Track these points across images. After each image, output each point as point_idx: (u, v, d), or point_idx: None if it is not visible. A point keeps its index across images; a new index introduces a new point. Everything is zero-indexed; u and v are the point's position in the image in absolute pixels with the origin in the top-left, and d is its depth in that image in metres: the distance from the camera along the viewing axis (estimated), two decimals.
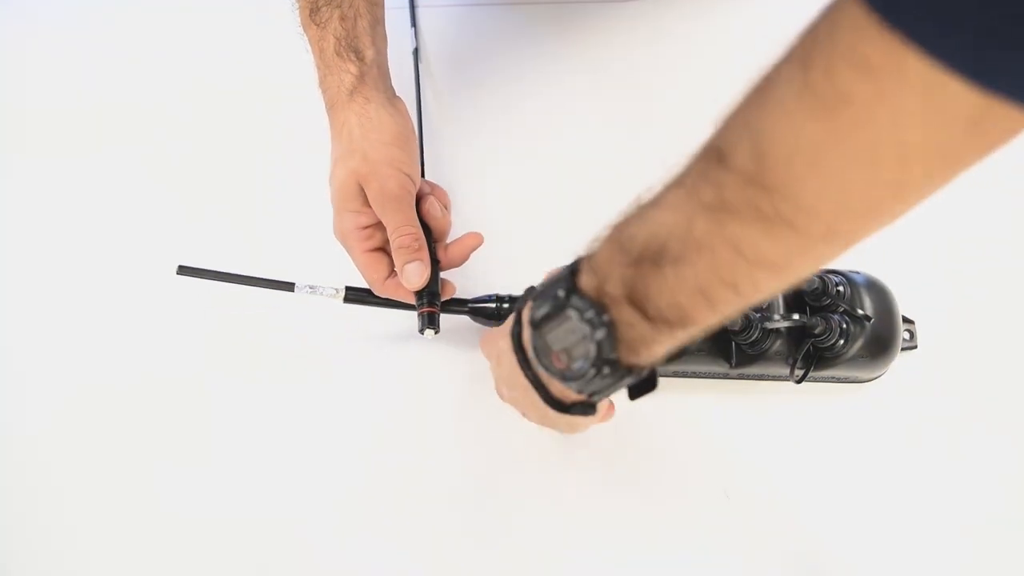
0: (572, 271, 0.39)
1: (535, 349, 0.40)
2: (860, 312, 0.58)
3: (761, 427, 0.63)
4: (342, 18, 0.57)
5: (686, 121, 0.70)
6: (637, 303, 0.36)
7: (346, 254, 0.58)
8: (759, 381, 0.62)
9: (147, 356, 0.65)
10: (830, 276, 0.59)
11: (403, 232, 0.55)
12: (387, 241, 0.57)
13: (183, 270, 0.56)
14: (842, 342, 0.58)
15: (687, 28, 0.73)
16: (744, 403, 0.63)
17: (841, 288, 0.59)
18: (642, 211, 0.36)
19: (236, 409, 0.64)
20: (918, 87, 0.26)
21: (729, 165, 0.31)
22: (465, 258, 0.60)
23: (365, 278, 0.58)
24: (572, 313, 0.37)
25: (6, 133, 0.74)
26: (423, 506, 0.61)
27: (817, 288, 0.59)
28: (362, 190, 0.56)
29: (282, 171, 0.70)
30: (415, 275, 0.55)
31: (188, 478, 0.62)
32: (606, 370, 0.37)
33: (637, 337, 0.37)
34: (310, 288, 0.57)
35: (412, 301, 0.57)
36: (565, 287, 0.38)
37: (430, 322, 0.56)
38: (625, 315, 0.36)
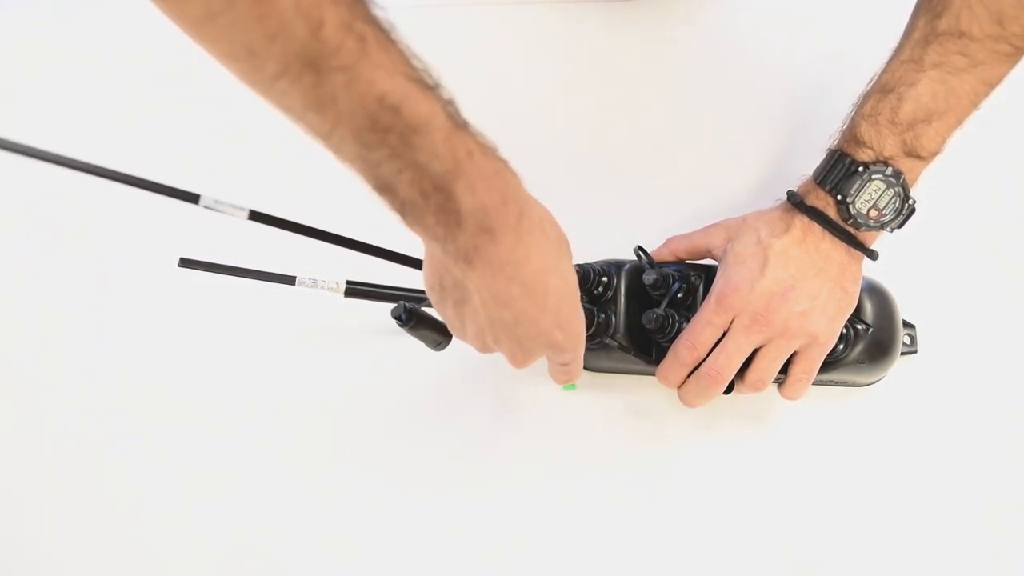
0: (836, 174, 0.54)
1: (852, 219, 0.54)
2: (860, 326, 0.58)
3: (759, 430, 0.63)
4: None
5: (689, 119, 0.71)
6: (913, 153, 0.53)
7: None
8: None
9: (146, 349, 0.65)
10: None
11: None
12: None
13: (184, 263, 0.56)
14: (842, 346, 0.58)
15: (686, 28, 0.73)
16: (742, 406, 0.63)
17: None
18: (897, 97, 0.52)
19: (235, 403, 0.63)
20: None
21: (973, 37, 0.50)
22: None
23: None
24: (876, 176, 0.52)
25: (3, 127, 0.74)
26: (425, 500, 0.61)
27: None
28: None
29: (284, 165, 0.70)
30: None
31: (186, 473, 0.62)
32: (907, 204, 0.54)
33: (916, 173, 0.54)
34: (311, 281, 0.57)
35: None
36: (857, 167, 0.53)
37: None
38: (906, 164, 0.53)
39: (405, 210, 0.40)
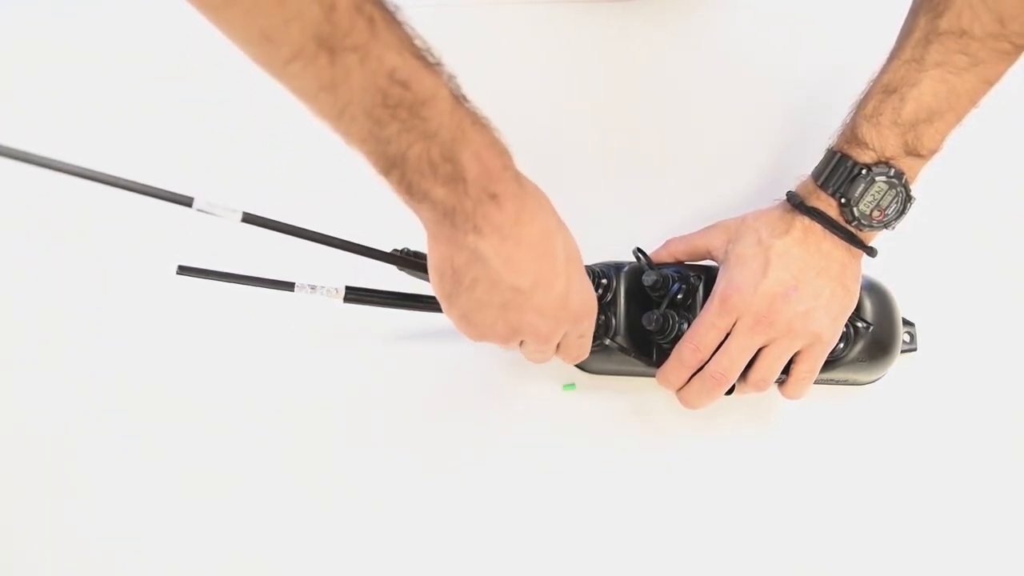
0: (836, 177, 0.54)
1: (855, 221, 0.54)
2: (860, 324, 0.58)
3: (759, 430, 0.63)
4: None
5: (687, 119, 0.71)
6: (914, 152, 0.53)
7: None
8: None
9: (146, 349, 0.65)
10: None
11: None
12: None
13: (183, 270, 0.56)
14: (841, 345, 0.58)
15: (686, 28, 0.73)
16: (742, 406, 0.63)
17: None
18: (900, 97, 0.52)
19: (235, 403, 0.63)
20: None
21: (974, 36, 0.50)
22: None
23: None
24: (879, 178, 0.53)
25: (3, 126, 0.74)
26: (424, 500, 0.61)
27: None
28: None
29: (283, 166, 0.70)
30: None
31: (186, 473, 0.62)
32: (909, 203, 0.54)
33: (916, 171, 0.54)
34: (310, 288, 0.56)
35: None
36: (860, 170, 0.53)
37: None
38: (907, 163, 0.53)
39: (412, 188, 0.42)
